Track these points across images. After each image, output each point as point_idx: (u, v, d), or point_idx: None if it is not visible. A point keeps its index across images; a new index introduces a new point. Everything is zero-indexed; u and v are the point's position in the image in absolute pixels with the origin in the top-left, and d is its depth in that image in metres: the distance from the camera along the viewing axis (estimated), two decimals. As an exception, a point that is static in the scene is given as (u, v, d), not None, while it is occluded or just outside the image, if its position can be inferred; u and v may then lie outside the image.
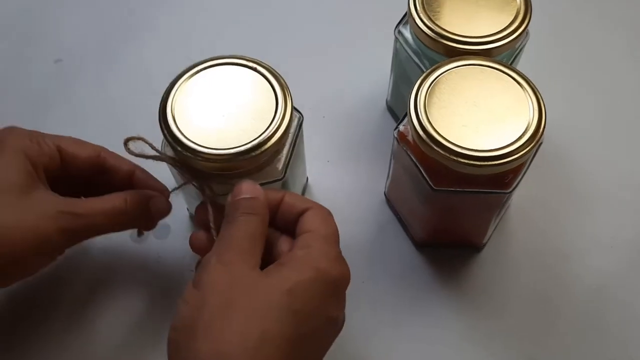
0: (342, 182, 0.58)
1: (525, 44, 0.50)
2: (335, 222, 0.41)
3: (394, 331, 0.52)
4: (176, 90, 0.44)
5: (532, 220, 0.56)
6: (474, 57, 0.45)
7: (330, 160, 0.59)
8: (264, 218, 0.40)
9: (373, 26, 0.62)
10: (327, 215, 0.41)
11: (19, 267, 0.43)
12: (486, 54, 0.46)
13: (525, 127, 0.43)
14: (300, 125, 0.47)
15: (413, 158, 0.45)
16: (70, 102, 0.62)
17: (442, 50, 0.47)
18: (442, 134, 0.42)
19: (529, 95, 0.44)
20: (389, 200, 0.57)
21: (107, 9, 0.68)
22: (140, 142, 0.43)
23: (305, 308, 0.37)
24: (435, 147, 0.42)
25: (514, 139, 0.42)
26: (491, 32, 0.47)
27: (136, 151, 0.42)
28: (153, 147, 0.43)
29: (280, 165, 0.45)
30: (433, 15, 0.47)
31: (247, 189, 0.40)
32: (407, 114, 0.44)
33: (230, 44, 0.64)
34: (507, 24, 0.47)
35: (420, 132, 0.43)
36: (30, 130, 0.45)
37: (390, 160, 0.52)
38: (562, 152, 0.59)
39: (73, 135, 0.47)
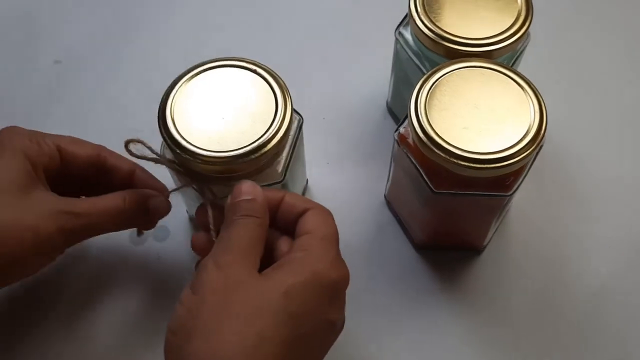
0: (342, 183, 0.57)
1: (526, 45, 0.50)
2: (335, 223, 0.41)
3: (393, 334, 0.52)
4: (175, 92, 0.44)
5: (532, 222, 0.56)
6: (474, 59, 0.45)
7: (330, 162, 0.59)
8: (263, 220, 0.40)
9: (373, 27, 0.61)
10: (326, 216, 0.41)
11: (18, 267, 0.43)
12: (487, 56, 0.46)
13: (526, 129, 0.42)
14: (300, 127, 0.47)
15: (413, 160, 0.45)
16: (69, 103, 0.62)
17: (443, 51, 0.47)
18: (442, 137, 0.42)
19: (530, 97, 0.44)
20: (389, 202, 0.57)
21: (106, 11, 0.68)
22: (140, 143, 0.42)
23: (302, 310, 0.36)
24: (436, 150, 0.42)
25: (515, 142, 0.42)
26: (492, 34, 0.47)
27: (137, 153, 0.42)
28: (152, 150, 0.43)
29: (280, 168, 0.45)
30: (434, 17, 0.47)
31: (247, 190, 0.40)
32: (407, 115, 0.44)
33: (229, 45, 0.64)
34: (508, 26, 0.47)
35: (421, 135, 0.43)
36: (30, 130, 0.45)
37: (391, 162, 0.52)
38: (563, 154, 0.59)
39: (72, 136, 0.47)
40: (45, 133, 0.46)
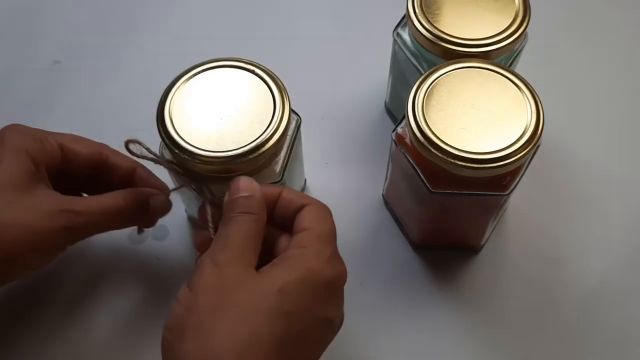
0: (340, 183, 0.58)
1: (523, 46, 0.50)
2: (332, 219, 0.41)
3: (391, 333, 0.52)
4: (174, 92, 0.44)
5: (529, 222, 0.56)
6: (472, 60, 0.45)
7: (328, 162, 0.59)
8: (260, 217, 0.40)
9: (371, 28, 0.61)
10: (324, 211, 0.41)
11: (20, 265, 0.43)
12: (484, 57, 0.46)
13: (523, 129, 0.43)
14: (298, 127, 0.47)
15: (411, 160, 0.45)
16: (68, 104, 0.62)
17: (441, 52, 0.47)
18: (440, 137, 0.42)
19: (527, 97, 0.44)
20: (386, 202, 0.57)
21: (105, 11, 0.68)
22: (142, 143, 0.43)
23: (296, 308, 0.36)
24: (433, 150, 0.42)
25: (512, 142, 0.42)
26: (490, 35, 0.47)
27: (137, 152, 0.43)
28: (149, 151, 0.43)
29: (278, 168, 0.45)
30: (431, 18, 0.47)
31: (244, 186, 0.40)
32: (405, 116, 0.44)
33: (228, 46, 0.64)
34: (505, 27, 0.47)
35: (418, 135, 0.43)
36: (32, 128, 0.45)
37: (388, 162, 0.52)
38: (560, 155, 0.59)
39: (74, 134, 0.47)
40: (47, 131, 0.46)
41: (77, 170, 0.46)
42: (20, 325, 0.51)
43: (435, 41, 0.47)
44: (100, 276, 0.53)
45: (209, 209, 0.43)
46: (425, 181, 0.45)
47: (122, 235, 0.54)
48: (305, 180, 0.57)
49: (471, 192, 0.45)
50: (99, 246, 0.54)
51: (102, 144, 0.47)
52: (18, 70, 0.64)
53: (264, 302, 0.36)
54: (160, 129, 0.43)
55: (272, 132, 0.42)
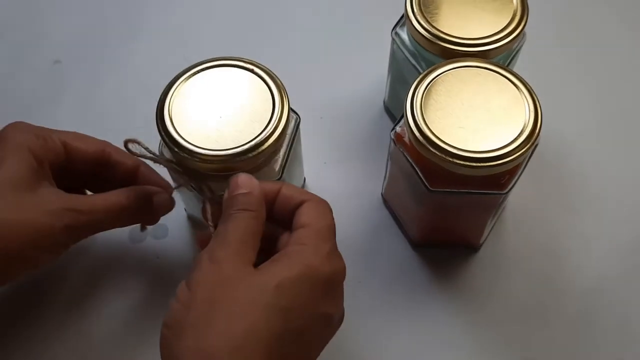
0: (339, 182, 0.58)
1: (521, 45, 0.50)
2: (332, 215, 0.41)
3: (390, 331, 0.52)
4: (173, 91, 0.44)
5: (528, 220, 0.56)
6: (470, 59, 0.46)
7: (327, 161, 0.59)
8: (259, 214, 0.40)
9: (370, 27, 0.62)
10: (323, 207, 0.41)
11: (23, 263, 0.43)
12: (483, 56, 0.46)
13: (521, 128, 0.43)
14: (297, 126, 0.47)
15: (409, 159, 0.46)
16: (68, 103, 0.62)
17: (439, 51, 0.47)
18: (438, 136, 0.43)
19: (525, 96, 0.44)
20: (385, 201, 0.57)
21: (105, 11, 0.68)
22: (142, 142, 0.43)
23: (294, 304, 0.36)
24: (432, 149, 0.42)
25: (510, 140, 0.42)
26: (488, 34, 0.47)
27: (137, 151, 0.43)
28: (148, 150, 0.43)
29: (277, 166, 0.45)
30: (430, 17, 0.47)
31: (243, 183, 0.40)
32: (403, 115, 0.44)
33: (227, 45, 0.64)
34: (503, 26, 0.47)
35: (417, 134, 0.43)
36: (35, 126, 0.45)
37: (387, 161, 0.52)
38: (558, 153, 0.59)
39: (77, 132, 0.47)
40: (50, 129, 0.46)
41: (80, 167, 0.46)
42: (20, 325, 0.51)
43: (434, 40, 0.47)
44: (100, 275, 0.54)
45: (208, 208, 0.43)
46: (423, 180, 0.45)
47: (123, 234, 0.54)
48: (305, 179, 0.57)
49: (470, 191, 0.45)
50: (99, 245, 0.54)
51: (105, 141, 0.47)
52: (18, 70, 0.64)
53: (262, 298, 0.36)
54: (160, 127, 0.43)
55: (271, 130, 0.43)
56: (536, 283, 0.53)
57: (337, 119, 0.61)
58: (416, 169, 0.45)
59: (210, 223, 0.42)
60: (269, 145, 0.42)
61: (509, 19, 0.47)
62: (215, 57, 0.46)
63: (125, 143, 0.42)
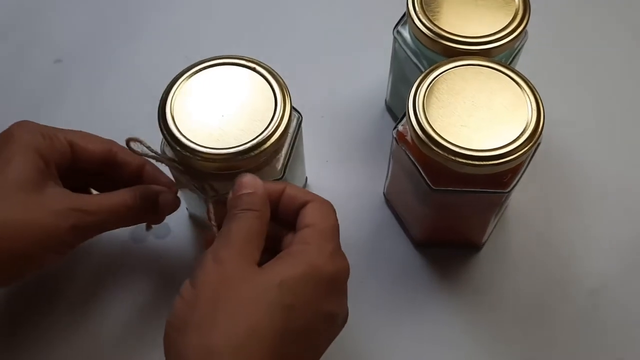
0: (340, 181, 0.58)
1: (523, 44, 0.50)
2: (335, 215, 0.41)
3: (393, 330, 0.52)
4: (175, 90, 0.44)
5: (530, 219, 0.56)
6: (472, 57, 0.46)
7: (329, 160, 0.59)
8: (263, 213, 0.40)
9: (372, 26, 0.62)
10: (327, 208, 0.41)
11: (30, 264, 0.43)
12: (485, 54, 0.46)
13: (523, 126, 0.43)
14: (299, 125, 0.47)
15: (412, 158, 0.46)
16: (70, 102, 0.62)
17: (441, 50, 0.47)
18: (440, 134, 0.43)
19: (527, 95, 0.44)
20: (387, 200, 0.57)
21: (106, 10, 0.68)
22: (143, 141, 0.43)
23: (297, 302, 0.36)
24: (434, 147, 0.42)
25: (513, 139, 0.42)
26: (490, 32, 0.47)
27: (139, 150, 0.43)
28: (150, 149, 0.43)
29: (279, 165, 0.45)
30: (432, 16, 0.47)
31: (247, 183, 0.40)
32: (405, 113, 0.44)
33: (228, 45, 0.64)
34: (505, 24, 0.47)
35: (419, 132, 0.43)
36: (41, 125, 0.45)
37: (389, 160, 0.52)
38: (561, 152, 0.59)
39: (83, 131, 0.47)
40: (57, 128, 0.46)
41: (86, 167, 0.46)
42: (22, 325, 0.51)
43: (436, 39, 0.47)
44: (103, 275, 0.54)
45: (211, 207, 0.43)
46: (426, 179, 0.45)
47: (124, 234, 0.54)
48: (307, 178, 0.57)
49: (472, 190, 0.45)
50: (102, 245, 0.54)
51: (111, 140, 0.47)
52: (19, 69, 0.64)
53: (265, 296, 0.36)
54: (162, 126, 0.43)
55: (273, 129, 0.43)
56: (538, 282, 0.53)
57: (339, 118, 0.61)
58: (418, 167, 0.45)
59: (213, 223, 0.42)
60: (270, 144, 0.42)
61: (511, 18, 0.47)
62: (217, 55, 0.46)
63: (128, 142, 0.42)
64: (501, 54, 0.48)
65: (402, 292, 0.53)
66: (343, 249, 0.41)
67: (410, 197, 0.50)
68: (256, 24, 0.67)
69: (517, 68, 0.49)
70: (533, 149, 0.43)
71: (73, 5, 0.68)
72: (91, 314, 0.52)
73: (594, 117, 0.61)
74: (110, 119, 0.60)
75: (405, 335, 0.52)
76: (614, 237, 0.55)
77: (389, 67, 0.56)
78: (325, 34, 0.66)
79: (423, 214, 0.51)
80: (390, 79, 0.57)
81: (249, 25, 0.67)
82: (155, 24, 0.67)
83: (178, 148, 0.42)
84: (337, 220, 0.41)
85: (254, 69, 0.45)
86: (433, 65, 0.46)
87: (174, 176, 0.48)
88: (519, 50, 0.50)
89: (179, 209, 0.49)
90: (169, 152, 0.44)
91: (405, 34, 0.51)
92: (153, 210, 0.47)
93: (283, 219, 0.42)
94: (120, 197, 0.45)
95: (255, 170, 0.44)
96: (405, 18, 0.50)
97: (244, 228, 0.39)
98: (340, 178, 0.58)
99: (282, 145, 0.45)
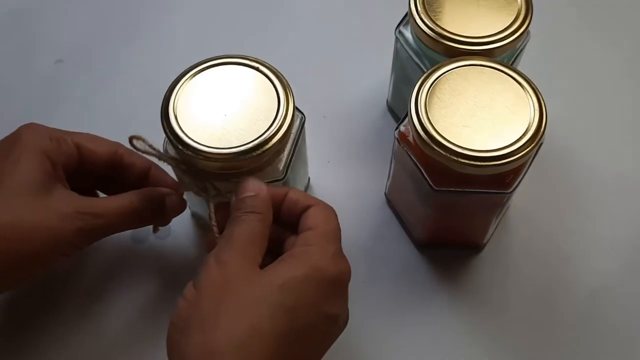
0: (342, 182, 0.58)
1: (526, 44, 0.50)
2: (337, 219, 0.42)
3: (395, 331, 0.52)
4: (179, 89, 0.44)
5: (532, 220, 0.56)
6: (474, 58, 0.46)
7: (331, 161, 0.59)
8: (266, 216, 0.40)
9: (374, 26, 0.62)
10: (329, 212, 0.41)
11: (37, 265, 0.43)
12: (487, 55, 0.46)
13: (526, 127, 0.43)
14: (302, 125, 0.47)
15: (413, 158, 0.45)
16: (71, 103, 0.62)
17: (443, 50, 0.47)
18: (442, 134, 0.42)
19: (529, 95, 0.44)
20: (389, 201, 0.57)
21: (107, 10, 0.68)
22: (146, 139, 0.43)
23: (299, 304, 0.37)
24: (436, 148, 0.42)
25: (515, 139, 0.42)
26: (492, 33, 0.47)
27: (142, 149, 0.43)
28: (153, 147, 0.43)
29: (281, 165, 0.45)
30: (434, 16, 0.47)
31: (251, 186, 0.41)
32: (407, 114, 0.44)
33: (229, 44, 0.64)
34: (508, 24, 0.47)
35: (421, 133, 0.43)
36: (49, 128, 0.45)
37: (391, 160, 0.52)
38: (563, 153, 0.59)
39: (90, 133, 0.48)
40: (64, 131, 0.46)
41: (93, 169, 0.47)
42: (22, 327, 0.51)
43: (438, 39, 0.47)
44: (103, 276, 0.53)
45: (212, 207, 0.43)
46: (428, 179, 0.45)
47: (125, 234, 0.54)
48: (309, 178, 0.57)
49: (474, 190, 0.45)
50: (102, 246, 0.54)
51: (117, 143, 0.47)
52: (20, 70, 0.64)
53: (267, 297, 0.36)
54: (165, 124, 0.43)
55: (275, 129, 0.42)
56: (539, 283, 0.53)
57: (340, 118, 0.61)
58: (420, 168, 0.45)
59: (214, 222, 0.42)
60: (273, 144, 0.42)
61: (513, 18, 0.47)
62: (220, 55, 0.46)
63: (130, 139, 0.42)
64: (503, 54, 0.48)
65: (403, 292, 0.53)
66: (344, 249, 0.41)
67: (412, 198, 0.50)
68: (256, 26, 0.67)
69: (519, 68, 0.49)
70: (535, 149, 0.43)
71: (74, 5, 0.68)
72: (90, 314, 0.52)
73: (595, 118, 0.61)
74: (112, 119, 0.60)
75: (406, 335, 0.52)
76: (614, 237, 0.55)
77: (390, 67, 0.56)
78: (326, 34, 0.66)
79: (424, 215, 0.51)
80: (392, 79, 0.57)
81: (250, 26, 0.67)
82: (158, 23, 0.67)
83: (180, 147, 0.42)
84: (338, 223, 0.41)
85: (257, 69, 0.45)
86: (435, 65, 0.46)
87: (177, 177, 0.48)
88: (521, 51, 0.50)
89: (180, 209, 0.49)
90: (172, 152, 0.44)
91: (407, 34, 0.51)
92: (159, 212, 0.47)
93: (285, 222, 0.42)
94: (127, 199, 0.45)
95: (258, 170, 0.44)
96: (407, 18, 0.50)
97: (247, 230, 0.39)
98: (342, 178, 0.58)
99: (285, 146, 0.45)
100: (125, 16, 0.67)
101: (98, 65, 0.64)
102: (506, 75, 0.45)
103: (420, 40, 0.48)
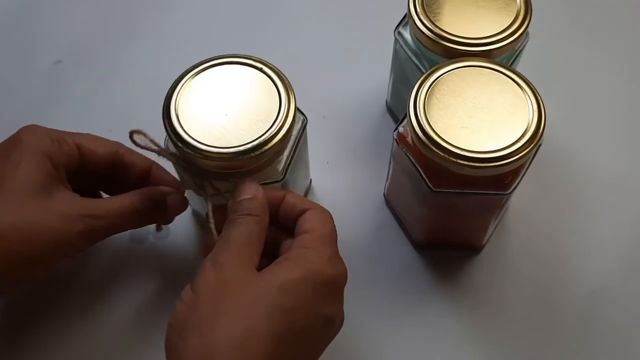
0: (341, 183, 0.58)
1: (525, 45, 0.50)
2: (333, 223, 0.42)
3: (393, 332, 0.52)
4: (181, 87, 0.44)
5: (531, 221, 0.56)
6: (473, 59, 0.45)
7: (330, 161, 0.59)
8: (262, 219, 0.41)
9: (373, 27, 0.61)
10: (325, 215, 0.42)
11: (38, 267, 0.43)
12: (486, 56, 0.46)
13: (524, 128, 0.43)
14: (304, 127, 0.47)
15: (412, 159, 0.45)
16: (70, 104, 0.62)
17: (442, 51, 0.47)
18: (441, 136, 0.42)
19: (528, 96, 0.44)
20: (388, 202, 0.57)
21: (107, 10, 0.68)
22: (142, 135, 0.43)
23: (296, 305, 0.37)
24: (435, 149, 0.42)
25: (514, 141, 0.42)
26: (491, 34, 0.47)
27: (142, 144, 0.43)
28: (153, 142, 0.43)
29: (280, 167, 0.45)
30: (433, 17, 0.47)
31: (248, 189, 0.41)
32: (406, 115, 0.44)
33: (230, 44, 0.64)
34: (507, 25, 0.47)
35: (420, 134, 0.43)
36: (49, 129, 0.45)
37: (390, 161, 0.52)
38: (562, 154, 0.59)
39: (91, 134, 0.48)
40: (65, 131, 0.46)
41: (94, 169, 0.47)
42: (21, 328, 0.51)
43: (437, 40, 0.47)
44: (102, 276, 0.53)
45: (209, 206, 0.43)
46: (426, 180, 0.45)
47: (125, 234, 0.54)
48: (311, 180, 0.57)
49: (473, 192, 0.45)
50: (101, 246, 0.53)
51: (117, 142, 0.48)
52: (19, 70, 0.64)
53: (264, 299, 0.36)
54: (165, 122, 0.43)
55: (275, 130, 0.42)
56: (539, 284, 0.53)
57: (339, 118, 0.61)
58: (419, 169, 0.45)
59: (211, 220, 0.42)
60: (272, 145, 0.42)
61: (512, 19, 0.47)
62: (223, 54, 0.45)
63: (131, 134, 0.42)
64: (502, 55, 0.48)
65: (402, 293, 0.53)
66: (342, 249, 0.41)
67: (411, 199, 0.50)
68: (256, 26, 0.67)
69: (518, 69, 0.49)
70: (534, 150, 0.43)
71: (73, 5, 0.68)
72: (89, 315, 0.52)
73: (594, 118, 0.61)
74: (112, 119, 0.60)
75: (404, 336, 0.52)
76: (614, 238, 0.55)
77: (389, 68, 0.56)
78: (325, 35, 0.66)
79: (423, 216, 0.51)
80: (391, 80, 0.57)
81: (249, 28, 0.67)
82: (158, 23, 0.67)
83: (180, 145, 0.42)
84: (334, 226, 0.42)
85: (260, 69, 0.45)
86: (434, 66, 0.46)
87: (179, 175, 0.48)
88: (520, 52, 0.50)
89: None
90: (172, 149, 0.44)
91: (406, 35, 0.51)
92: (161, 211, 0.47)
93: (282, 225, 0.42)
94: (128, 200, 0.45)
95: (257, 170, 0.44)
96: (406, 19, 0.50)
97: (244, 233, 0.39)
98: (341, 179, 0.58)
99: (285, 147, 0.45)
100: (125, 16, 0.67)
101: (98, 65, 0.64)
102: (505, 76, 0.45)
103: (419, 41, 0.48)
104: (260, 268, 0.39)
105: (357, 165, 0.59)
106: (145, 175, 0.48)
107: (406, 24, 0.50)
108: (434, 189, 0.45)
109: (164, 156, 0.44)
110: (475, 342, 0.52)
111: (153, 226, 0.52)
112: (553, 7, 0.65)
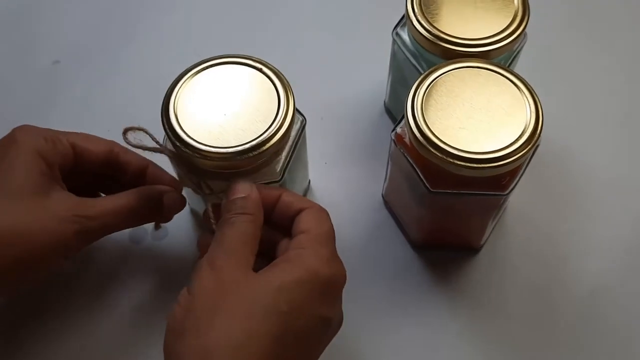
0: (339, 183, 0.58)
1: (522, 46, 0.50)
2: (330, 222, 0.42)
3: (391, 333, 0.52)
4: (180, 86, 0.44)
5: (529, 221, 0.56)
6: (471, 60, 0.45)
7: (328, 162, 0.59)
8: (256, 217, 0.40)
9: (371, 28, 0.62)
10: (322, 214, 0.42)
11: (35, 268, 0.43)
12: (484, 56, 0.46)
13: (522, 129, 0.43)
14: (302, 128, 0.47)
15: (410, 160, 0.45)
16: (69, 104, 0.62)
17: (440, 52, 0.47)
18: (439, 136, 0.42)
19: (526, 97, 0.44)
20: (386, 202, 0.57)
21: (105, 10, 0.68)
22: (140, 134, 0.43)
23: (294, 307, 0.37)
24: (432, 150, 0.42)
25: (511, 141, 0.42)
26: (489, 35, 0.47)
27: (134, 142, 0.43)
28: (153, 139, 0.43)
29: (279, 167, 0.45)
30: (431, 18, 0.47)
31: (241, 188, 0.41)
32: (404, 116, 0.44)
33: (229, 45, 0.64)
34: (504, 26, 0.47)
35: (417, 134, 0.43)
36: (44, 129, 0.45)
37: (388, 162, 0.52)
38: (560, 154, 0.59)
39: (85, 133, 0.47)
40: (59, 131, 0.46)
41: (89, 168, 0.46)
42: (20, 329, 0.51)
43: (435, 41, 0.47)
44: (101, 277, 0.53)
45: (209, 206, 0.43)
46: (424, 181, 0.45)
47: (123, 235, 0.54)
48: (310, 181, 0.57)
49: (470, 192, 0.45)
50: (99, 247, 0.54)
51: (112, 141, 0.47)
52: (17, 70, 0.64)
53: (261, 300, 0.36)
54: (164, 121, 0.43)
55: (274, 131, 0.42)
56: (537, 284, 0.53)
57: (338, 119, 0.61)
58: (417, 169, 0.45)
59: (212, 220, 0.42)
60: (271, 145, 0.42)
61: (510, 20, 0.47)
62: (222, 54, 0.46)
63: (125, 132, 0.42)
64: (500, 56, 0.48)
65: (400, 293, 0.53)
66: (340, 250, 0.41)
67: (409, 199, 0.50)
68: (255, 27, 0.67)
69: (516, 70, 0.49)
70: (532, 151, 0.43)
71: (73, 5, 0.68)
72: (87, 316, 0.52)
73: (592, 119, 0.61)
74: (111, 119, 0.60)
75: (403, 336, 0.52)
76: (613, 238, 0.55)
77: (387, 69, 0.56)
78: (323, 36, 0.66)
79: (421, 216, 0.51)
80: (389, 81, 0.57)
81: (249, 27, 0.67)
82: (156, 24, 0.67)
83: (177, 144, 0.42)
84: (332, 226, 0.41)
85: (260, 70, 0.45)
86: (432, 67, 0.46)
87: (177, 174, 0.48)
88: (518, 52, 0.50)
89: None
90: (170, 149, 0.44)
91: (404, 35, 0.51)
92: (157, 210, 0.47)
93: (278, 225, 0.42)
94: (124, 199, 0.45)
95: (255, 171, 0.44)
96: (404, 20, 0.50)
97: (238, 232, 0.39)
98: (339, 179, 0.58)
99: (283, 148, 0.45)
100: (125, 16, 0.67)
101: (97, 65, 0.64)
102: (503, 77, 0.45)
103: (417, 42, 0.48)
104: (257, 268, 0.38)
105: (355, 166, 0.59)
106: (141, 174, 0.48)
107: (404, 25, 0.50)
108: (431, 190, 0.45)
109: (164, 153, 0.44)
110: (473, 343, 0.52)
111: (151, 226, 0.53)
112: (551, 8, 0.65)
